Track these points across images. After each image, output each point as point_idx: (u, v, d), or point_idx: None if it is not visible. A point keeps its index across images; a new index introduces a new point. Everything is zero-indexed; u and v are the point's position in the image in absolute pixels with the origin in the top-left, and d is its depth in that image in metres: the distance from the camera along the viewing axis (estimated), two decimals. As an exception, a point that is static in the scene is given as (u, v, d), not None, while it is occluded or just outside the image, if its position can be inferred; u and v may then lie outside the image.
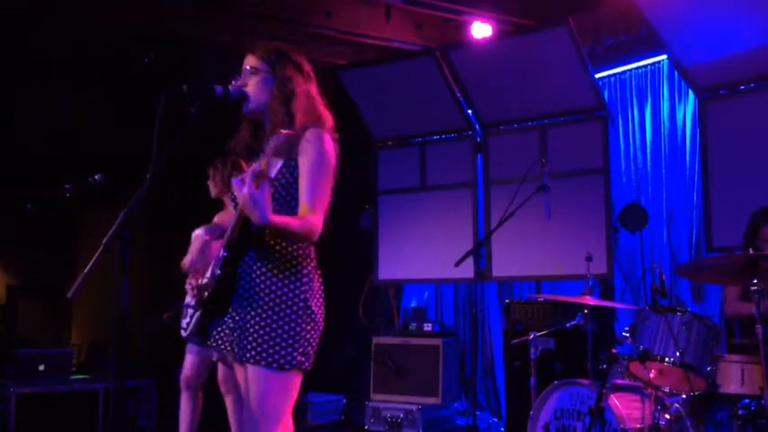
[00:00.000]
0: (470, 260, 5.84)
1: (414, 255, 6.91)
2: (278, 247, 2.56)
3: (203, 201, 4.67)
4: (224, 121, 2.86)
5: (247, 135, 2.78)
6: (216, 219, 4.59)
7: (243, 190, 2.31)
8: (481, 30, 6.47)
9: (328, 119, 2.72)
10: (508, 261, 6.47)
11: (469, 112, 6.78)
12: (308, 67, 2.78)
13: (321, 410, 6.54)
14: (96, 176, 3.70)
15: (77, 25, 6.03)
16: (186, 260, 4.44)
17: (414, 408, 6.01)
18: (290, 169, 2.56)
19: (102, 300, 4.40)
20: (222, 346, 2.69)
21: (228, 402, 4.44)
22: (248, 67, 2.71)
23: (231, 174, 4.17)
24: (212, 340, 2.85)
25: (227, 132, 2.87)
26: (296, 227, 2.46)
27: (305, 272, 2.57)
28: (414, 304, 7.59)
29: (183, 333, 4.47)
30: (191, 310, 4.42)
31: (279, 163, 2.59)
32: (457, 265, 5.02)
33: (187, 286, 4.35)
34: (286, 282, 2.54)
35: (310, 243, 2.58)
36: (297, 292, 2.53)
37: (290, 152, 2.58)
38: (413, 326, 6.60)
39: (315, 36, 6.67)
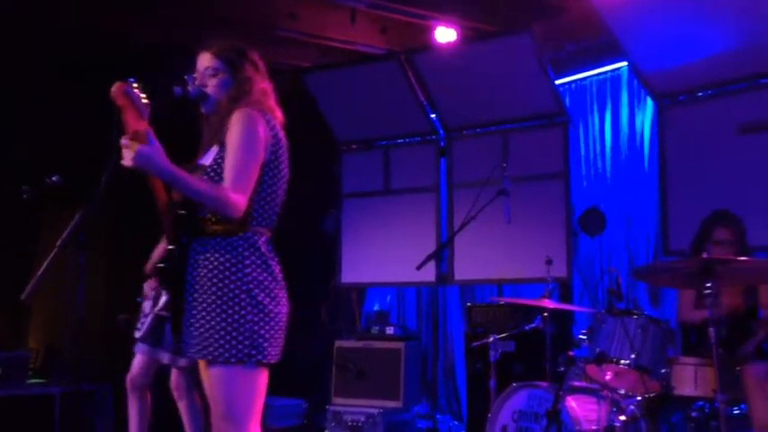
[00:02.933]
0: (433, 264, 5.89)
1: (377, 258, 6.92)
2: (220, 239, 2.51)
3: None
4: (181, 123, 2.84)
5: (205, 134, 2.75)
6: None
7: (134, 149, 2.30)
8: (445, 34, 6.50)
9: (279, 113, 2.70)
10: (470, 264, 6.51)
11: (433, 116, 6.82)
12: (262, 65, 2.78)
13: (281, 414, 6.50)
14: (53, 178, 3.66)
15: (44, 24, 5.96)
16: (150, 264, 4.42)
17: (375, 411, 6.00)
18: (224, 155, 2.53)
19: (60, 302, 4.34)
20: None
21: (182, 407, 4.42)
22: (206, 67, 2.69)
23: None
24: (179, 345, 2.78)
25: (186, 133, 2.85)
26: (205, 190, 2.42)
27: (247, 262, 2.50)
28: (376, 308, 7.60)
29: (137, 333, 4.43)
30: (146, 311, 4.39)
31: (214, 150, 2.59)
32: (418, 268, 5.04)
33: (146, 288, 4.32)
34: (227, 273, 2.47)
35: (229, 219, 2.47)
36: (238, 283, 2.47)
37: (222, 137, 2.56)
38: (375, 329, 6.59)
39: (279, 39, 6.65)
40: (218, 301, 2.47)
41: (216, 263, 2.50)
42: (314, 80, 6.90)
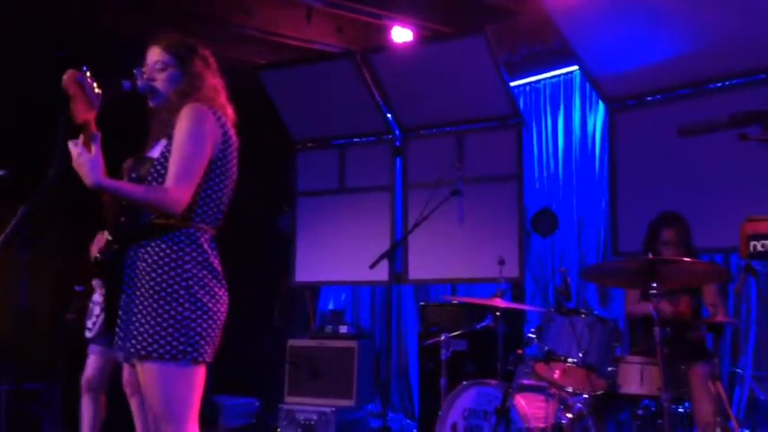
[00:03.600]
0: (387, 263, 5.90)
1: (331, 257, 6.92)
2: (161, 233, 2.48)
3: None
4: (128, 117, 2.81)
5: (154, 127, 2.72)
6: None
7: (74, 151, 2.30)
8: (401, 35, 6.53)
9: (230, 110, 2.68)
10: (424, 264, 6.55)
11: (389, 116, 6.84)
12: (213, 61, 2.76)
13: (233, 414, 6.46)
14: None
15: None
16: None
17: (328, 410, 6.00)
18: (171, 148, 2.52)
19: (4, 300, 4.25)
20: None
21: (134, 405, 4.35)
22: (156, 61, 2.66)
23: None
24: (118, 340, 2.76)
25: (133, 127, 2.82)
26: (138, 194, 2.42)
27: (187, 258, 2.47)
28: (331, 306, 7.59)
29: (88, 334, 4.36)
30: (97, 310, 4.32)
31: (162, 143, 2.57)
32: (371, 267, 5.05)
33: (95, 284, 4.25)
34: (166, 268, 2.45)
35: (171, 215, 2.45)
36: (177, 279, 2.44)
37: (171, 131, 2.54)
38: (328, 328, 6.59)
39: (234, 35, 6.61)
40: (156, 296, 2.43)
41: (156, 257, 2.47)
42: (269, 77, 6.86)
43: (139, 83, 2.61)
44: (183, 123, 2.51)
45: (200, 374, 2.48)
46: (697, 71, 5.39)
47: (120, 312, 2.54)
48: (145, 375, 2.47)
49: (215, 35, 6.39)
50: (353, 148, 7.04)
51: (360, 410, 6.29)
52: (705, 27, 5.17)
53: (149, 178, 2.51)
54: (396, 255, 6.41)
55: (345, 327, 6.53)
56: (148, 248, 2.49)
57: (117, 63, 2.77)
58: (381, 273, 5.86)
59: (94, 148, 2.34)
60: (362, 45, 6.70)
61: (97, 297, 4.38)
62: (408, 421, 6.83)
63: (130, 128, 2.83)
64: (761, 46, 4.99)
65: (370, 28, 6.80)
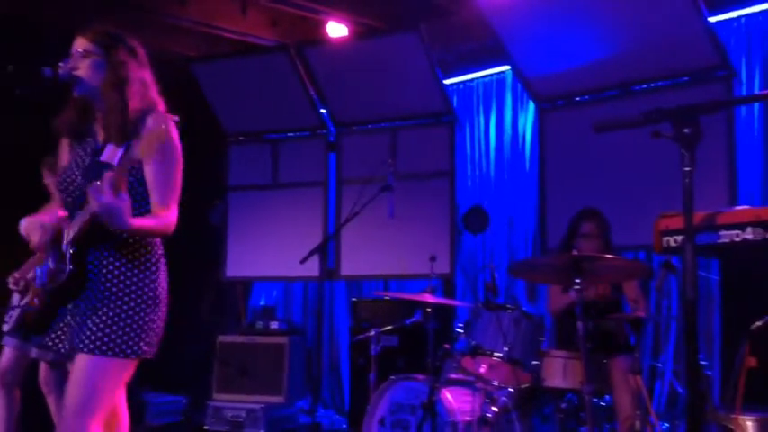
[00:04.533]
0: (320, 259, 5.88)
1: (263, 252, 6.86)
2: (129, 239, 2.55)
3: (32, 191, 4.42)
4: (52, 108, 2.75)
5: (74, 115, 2.70)
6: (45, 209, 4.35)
7: (101, 199, 2.29)
8: (336, 30, 6.52)
9: (161, 105, 2.69)
10: (357, 260, 6.56)
11: (323, 111, 6.82)
12: (142, 52, 2.74)
13: (160, 411, 6.35)
14: None
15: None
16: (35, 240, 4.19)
17: (257, 407, 5.95)
18: (133, 155, 2.49)
19: None
20: (59, 346, 2.57)
21: (51, 402, 4.24)
22: (79, 50, 2.64)
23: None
24: (48, 340, 2.67)
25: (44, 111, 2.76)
26: (154, 227, 2.51)
27: (153, 260, 2.57)
28: (262, 302, 7.53)
29: (5, 327, 4.22)
30: (14, 303, 4.18)
31: (120, 150, 2.51)
32: (302, 262, 5.02)
33: (10, 280, 4.12)
34: (136, 272, 2.52)
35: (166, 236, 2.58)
36: (147, 281, 2.53)
37: (130, 137, 2.51)
38: (259, 324, 6.53)
39: (167, 26, 6.49)
40: (126, 298, 2.50)
41: (125, 260, 2.52)
42: (201, 70, 6.77)
43: (61, 71, 2.59)
44: (161, 143, 2.54)
45: (131, 370, 2.54)
46: (624, 73, 5.53)
47: (67, 312, 2.54)
48: (83, 368, 2.45)
49: (147, 25, 6.27)
50: (287, 143, 6.99)
51: (290, 407, 6.26)
52: (631, 30, 5.30)
53: None
54: (328, 250, 6.40)
55: (276, 323, 6.49)
56: (117, 253, 2.53)
57: (47, 51, 2.73)
58: (313, 268, 5.82)
59: (121, 196, 2.34)
60: (297, 39, 6.66)
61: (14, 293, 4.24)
62: (339, 417, 6.83)
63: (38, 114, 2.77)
64: (684, 49, 5.14)
65: (305, 22, 6.76)
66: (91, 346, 2.44)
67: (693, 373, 1.62)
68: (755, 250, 1.90)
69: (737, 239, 1.83)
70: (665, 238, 2.02)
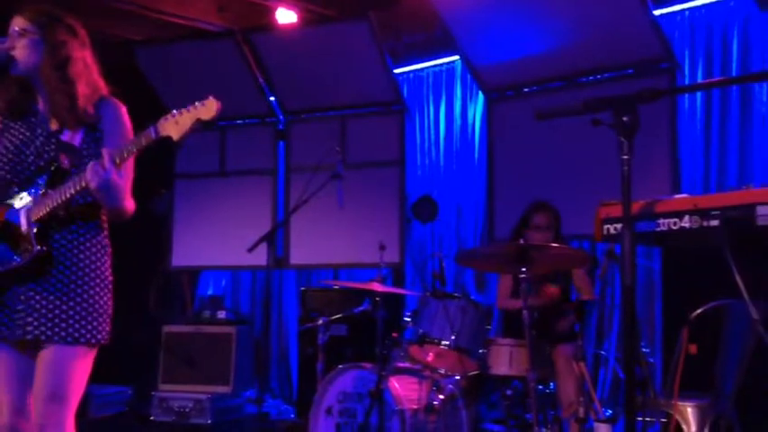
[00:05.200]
0: (269, 248, 5.82)
1: (211, 241, 6.78)
2: (91, 223, 2.56)
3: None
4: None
5: (14, 93, 2.64)
6: None
7: (107, 175, 2.34)
8: (286, 16, 6.44)
9: (105, 88, 2.67)
10: (306, 249, 6.52)
11: (272, 98, 6.75)
12: (83, 32, 2.70)
13: (104, 402, 6.23)
14: None
15: None
16: None
17: (203, 397, 5.89)
18: (95, 140, 2.55)
19: None
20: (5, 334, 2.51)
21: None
22: (16, 29, 2.58)
23: None
24: None
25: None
26: (131, 211, 2.55)
27: (105, 243, 2.58)
28: (210, 292, 7.44)
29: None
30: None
31: (80, 133, 2.55)
32: (249, 250, 4.97)
33: None
34: (99, 256, 2.54)
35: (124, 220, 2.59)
36: (105, 266, 2.56)
37: (83, 121, 2.55)
38: (206, 314, 6.47)
39: (111, 9, 6.33)
40: (80, 281, 2.50)
41: (82, 247, 2.52)
42: (146, 54, 6.64)
43: None
44: (122, 128, 2.60)
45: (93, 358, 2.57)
46: (571, 64, 5.59)
47: (21, 304, 2.49)
48: (58, 358, 2.45)
49: (92, 8, 6.11)
50: (235, 131, 6.90)
51: (237, 397, 6.21)
52: (578, 22, 5.36)
53: (72, 169, 2.52)
54: (277, 239, 6.35)
55: (224, 312, 6.43)
56: (66, 234, 2.52)
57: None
58: (262, 257, 5.77)
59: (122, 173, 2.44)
60: (245, 25, 6.56)
61: None
62: (287, 406, 6.79)
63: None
64: (630, 41, 5.22)
65: (253, 8, 6.66)
66: (63, 334, 2.44)
67: (631, 360, 1.64)
68: (694, 238, 1.93)
69: (675, 227, 1.86)
70: (606, 226, 2.05)
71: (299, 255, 6.55)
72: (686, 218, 1.84)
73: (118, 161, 2.39)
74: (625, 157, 1.72)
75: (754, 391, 3.48)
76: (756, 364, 2.01)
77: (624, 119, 1.71)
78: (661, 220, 1.91)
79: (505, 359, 4.18)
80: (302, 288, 6.45)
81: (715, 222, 1.79)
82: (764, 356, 1.81)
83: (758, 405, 3.67)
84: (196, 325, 6.38)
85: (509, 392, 4.30)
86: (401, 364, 4.23)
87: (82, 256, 2.51)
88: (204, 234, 6.79)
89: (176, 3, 6.42)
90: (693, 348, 4.01)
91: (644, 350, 4.63)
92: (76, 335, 2.45)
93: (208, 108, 2.50)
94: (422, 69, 6.85)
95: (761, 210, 1.72)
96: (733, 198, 1.79)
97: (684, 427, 3.31)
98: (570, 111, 1.81)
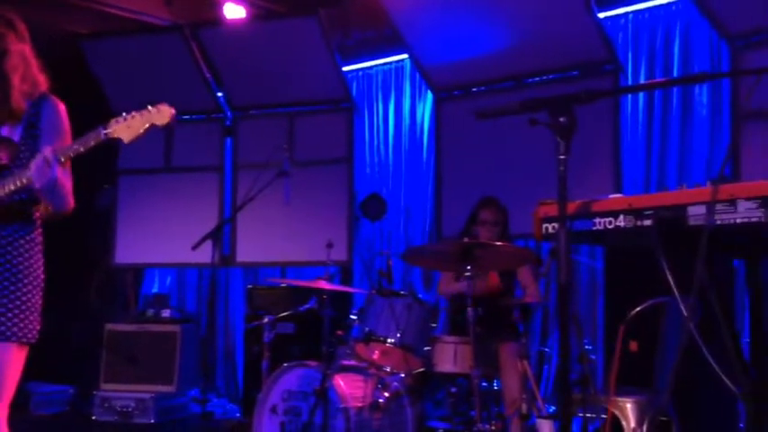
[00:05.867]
0: (215, 245, 5.76)
1: (156, 238, 6.67)
2: (29, 220, 2.53)
3: None
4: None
5: None
6: None
7: (53, 174, 2.32)
8: (234, 11, 6.36)
9: (44, 83, 2.64)
10: (253, 246, 6.47)
11: (220, 94, 6.68)
12: (21, 26, 2.65)
13: (45, 401, 6.10)
14: None
15: None
16: None
17: (146, 396, 5.80)
18: (33, 137, 2.52)
19: None
20: None
21: None
22: None
23: None
24: None
25: None
26: (71, 209, 2.53)
27: (38, 240, 2.55)
28: (155, 290, 7.33)
29: None
30: None
31: (18, 129, 2.53)
32: (194, 248, 4.92)
33: None
34: (32, 253, 2.51)
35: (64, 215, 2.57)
36: (39, 264, 2.53)
37: (26, 118, 2.53)
38: (150, 312, 6.37)
39: (57, 2, 6.19)
40: (13, 279, 2.46)
41: (10, 238, 2.48)
42: (91, 48, 6.51)
43: None
44: (55, 128, 2.54)
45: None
46: (518, 65, 5.66)
47: None
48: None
49: (36, 0, 5.96)
50: (181, 126, 6.76)
51: (181, 396, 6.13)
52: (525, 23, 5.42)
53: (11, 165, 2.49)
54: (223, 237, 6.29)
55: (168, 311, 6.34)
56: (12, 228, 2.49)
57: None
58: (209, 255, 5.72)
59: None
60: (193, 20, 6.47)
61: None
62: (233, 405, 6.73)
63: None
64: (575, 43, 5.29)
65: (201, 2, 6.57)
66: (6, 333, 2.41)
67: (565, 357, 1.66)
68: (629, 237, 1.97)
69: (611, 227, 1.89)
70: (545, 225, 2.07)
71: (246, 252, 6.50)
72: (621, 217, 1.88)
73: (63, 160, 2.34)
74: (561, 156, 1.75)
75: (690, 387, 3.57)
76: (691, 359, 2.06)
77: (560, 119, 1.73)
78: (597, 219, 1.94)
79: (450, 356, 4.21)
80: (249, 286, 6.39)
81: (648, 222, 1.83)
82: (699, 352, 1.87)
83: (694, 400, 3.77)
84: (140, 323, 6.28)
85: (454, 390, 4.34)
86: (346, 362, 4.22)
87: (15, 253, 2.47)
88: (149, 231, 6.68)
89: (125, -5, 6.32)
90: (634, 345, 4.09)
91: (586, 347, 4.70)
92: (8, 333, 2.41)
93: (162, 114, 2.46)
94: (371, 67, 6.85)
95: (692, 210, 1.76)
96: (666, 198, 1.83)
97: (624, 422, 3.37)
98: (508, 110, 1.82)
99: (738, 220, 1.68)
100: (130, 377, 6.05)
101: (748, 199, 1.66)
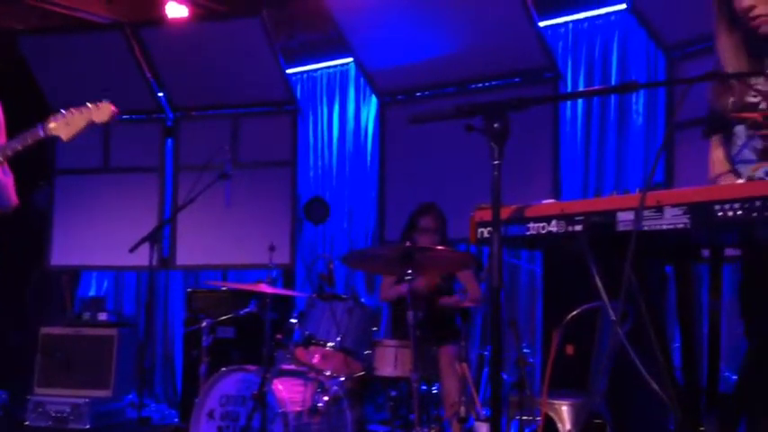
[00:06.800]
0: (155, 247, 5.66)
1: (93, 240, 6.53)
2: None
3: None
4: None
5: None
6: None
7: None
8: (177, 10, 6.28)
9: None
10: (193, 249, 6.38)
11: (161, 94, 6.57)
12: None
13: (-26, 407, 5.91)
14: None
15: None
16: None
17: (81, 401, 5.67)
18: None
19: None
20: None
21: None
22: None
23: None
24: None
25: None
26: (14, 206, 2.56)
27: None
28: (92, 293, 7.17)
29: None
30: None
31: None
32: (131, 250, 4.85)
33: None
34: None
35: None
36: None
37: None
38: (87, 315, 6.22)
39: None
40: None
41: None
42: (28, 44, 6.34)
43: None
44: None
45: None
46: (462, 71, 5.71)
47: None
48: None
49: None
50: (120, 126, 6.65)
51: (118, 401, 6.01)
52: (469, 30, 5.48)
53: None
54: (163, 239, 6.19)
55: (105, 314, 6.20)
56: None
57: None
58: (148, 257, 5.63)
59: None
60: (134, 18, 6.36)
61: None
62: (171, 410, 6.63)
63: None
64: (516, 51, 5.37)
65: (143, 1, 6.48)
66: None
67: (497, 359, 1.68)
68: (561, 242, 2.01)
69: (544, 232, 1.92)
70: (480, 230, 2.10)
71: (186, 255, 6.40)
72: (554, 222, 1.91)
73: (1, 159, 2.27)
74: (495, 162, 1.77)
75: (624, 389, 3.64)
76: (625, 363, 2.11)
77: (494, 125, 1.75)
78: (531, 224, 1.97)
79: (391, 360, 4.21)
80: (189, 289, 6.30)
81: (579, 227, 1.86)
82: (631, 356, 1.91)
83: (628, 402, 3.85)
84: (75, 327, 6.13)
85: (394, 393, 4.34)
86: (286, 366, 4.19)
87: None
88: (86, 232, 6.53)
89: (62, -9, 6.18)
90: (570, 349, 4.16)
91: (525, 351, 4.76)
92: None
93: (102, 111, 2.41)
94: (316, 70, 6.83)
95: (621, 216, 1.80)
96: (596, 204, 1.87)
97: (559, 424, 3.42)
98: (444, 116, 1.84)
99: (665, 226, 1.72)
100: (65, 382, 5.91)
101: (674, 206, 1.71)
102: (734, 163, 2.06)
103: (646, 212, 1.74)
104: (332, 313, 4.13)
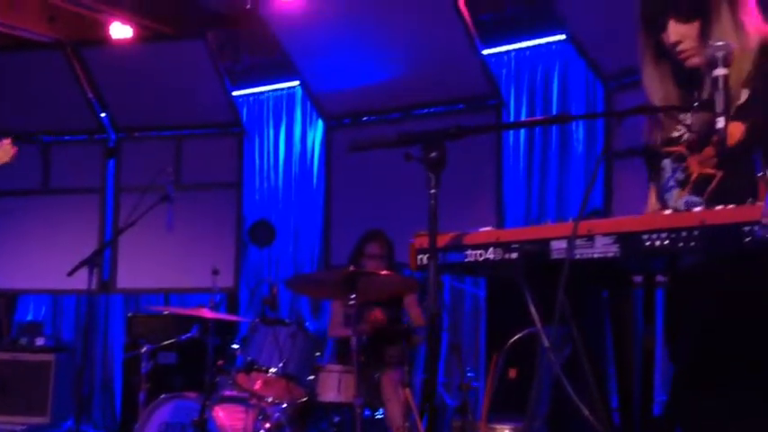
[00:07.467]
0: (94, 271, 5.54)
1: (31, 263, 6.37)
2: None
3: None
4: None
5: None
6: None
7: None
8: (121, 31, 6.22)
9: None
10: (135, 272, 6.27)
11: (103, 114, 6.48)
12: None
13: None
14: None
15: None
16: None
17: (18, 429, 5.52)
18: None
19: None
20: None
21: None
22: None
23: None
24: None
25: None
26: None
27: None
28: (29, 317, 6.97)
29: None
30: None
31: None
32: (70, 274, 4.71)
33: None
34: None
35: None
36: None
37: None
38: (23, 340, 6.07)
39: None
40: None
41: None
42: (-36, 62, 6.19)
43: None
44: None
45: None
46: (407, 96, 5.76)
47: None
48: None
49: None
50: (61, 147, 6.55)
51: (56, 428, 5.85)
52: (414, 56, 5.54)
53: None
54: (103, 262, 6.07)
55: (42, 339, 6.05)
56: None
57: None
58: (87, 281, 5.50)
59: None
60: (76, 38, 6.27)
61: None
62: (110, 438, 6.47)
63: None
64: (460, 78, 5.44)
65: (85, 21, 6.39)
66: None
67: (431, 385, 1.69)
68: (497, 269, 2.03)
69: (481, 259, 1.95)
70: (420, 256, 2.11)
71: (127, 279, 6.29)
72: (491, 250, 1.93)
73: None
74: (432, 191, 1.79)
75: (564, 413, 3.68)
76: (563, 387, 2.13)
77: (431, 154, 1.77)
78: (469, 252, 1.99)
79: (334, 386, 4.18)
80: (129, 314, 6.17)
81: (515, 255, 1.89)
82: (572, 379, 1.94)
83: (569, 427, 3.90)
84: (12, 352, 5.97)
85: (337, 419, 4.31)
86: (227, 393, 4.13)
87: None
88: (23, 255, 6.37)
89: (3, 10, 6.05)
90: (513, 372, 4.20)
91: (468, 375, 4.78)
92: None
93: (4, 151, 2.35)
94: (262, 93, 6.82)
95: (555, 244, 1.83)
96: (531, 232, 1.90)
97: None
98: (383, 143, 1.86)
99: (596, 255, 1.76)
100: (1, 407, 5.75)
101: (605, 234, 1.74)
102: (663, 194, 2.12)
103: (578, 241, 1.77)
104: (275, 338, 4.09)
